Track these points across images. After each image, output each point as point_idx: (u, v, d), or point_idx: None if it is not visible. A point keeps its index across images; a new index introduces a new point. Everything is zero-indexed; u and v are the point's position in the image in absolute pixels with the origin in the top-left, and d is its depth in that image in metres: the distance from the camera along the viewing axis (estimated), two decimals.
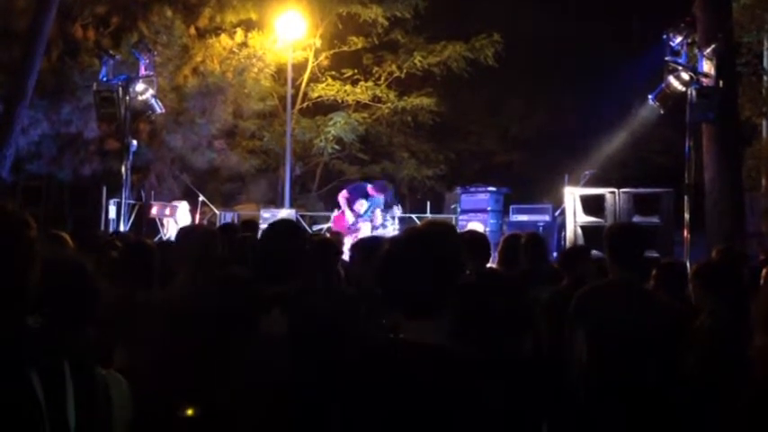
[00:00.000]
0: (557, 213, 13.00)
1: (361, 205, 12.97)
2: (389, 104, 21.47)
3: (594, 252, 9.95)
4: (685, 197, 9.46)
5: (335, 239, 6.84)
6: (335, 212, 13.09)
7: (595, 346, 3.99)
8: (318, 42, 20.76)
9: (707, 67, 9.40)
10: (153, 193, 17.38)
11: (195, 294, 3.71)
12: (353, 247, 5.22)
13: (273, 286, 3.25)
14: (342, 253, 5.86)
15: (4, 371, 1.77)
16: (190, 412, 3.11)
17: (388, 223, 13.13)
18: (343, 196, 13.02)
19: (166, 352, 3.44)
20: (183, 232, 4.34)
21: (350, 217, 12.81)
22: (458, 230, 3.85)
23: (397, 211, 13.19)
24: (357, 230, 12.59)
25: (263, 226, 12.89)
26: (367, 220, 12.81)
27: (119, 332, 3.57)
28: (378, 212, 12.95)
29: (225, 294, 3.64)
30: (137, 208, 14.44)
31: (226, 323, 3.33)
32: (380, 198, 13.10)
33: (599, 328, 4.01)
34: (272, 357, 3.11)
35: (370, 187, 13.05)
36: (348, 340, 3.22)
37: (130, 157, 11.10)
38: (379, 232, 12.65)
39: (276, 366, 3.09)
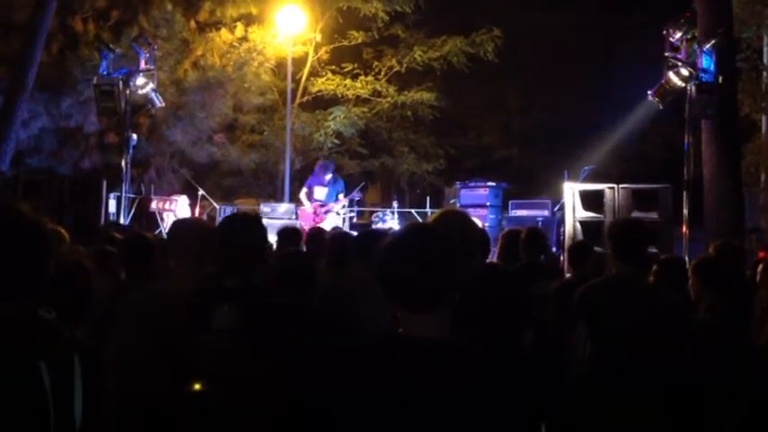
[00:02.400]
0: (556, 208, 13.02)
1: (321, 192, 12.69)
2: (389, 99, 21.44)
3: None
4: (684, 193, 9.47)
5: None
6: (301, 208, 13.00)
7: (598, 341, 4.01)
8: (318, 37, 20.73)
9: (706, 62, 9.40)
10: (153, 186, 17.41)
11: (184, 288, 3.73)
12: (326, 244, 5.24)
13: (233, 279, 3.28)
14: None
15: (12, 359, 1.79)
16: (197, 387, 3.14)
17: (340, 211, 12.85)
18: (303, 192, 12.89)
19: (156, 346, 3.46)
20: (176, 226, 4.32)
21: (308, 207, 12.60)
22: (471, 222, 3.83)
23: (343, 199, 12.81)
24: (321, 221, 12.34)
25: (265, 221, 12.89)
26: (330, 209, 12.48)
27: (115, 326, 3.60)
28: (341, 197, 12.67)
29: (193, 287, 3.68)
30: (137, 202, 14.45)
31: (181, 316, 3.37)
32: (339, 181, 12.86)
33: (602, 323, 4.03)
34: (224, 352, 3.14)
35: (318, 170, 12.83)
36: (334, 335, 3.24)
37: (130, 150, 11.11)
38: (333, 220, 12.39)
39: (229, 361, 3.11)
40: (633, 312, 3.99)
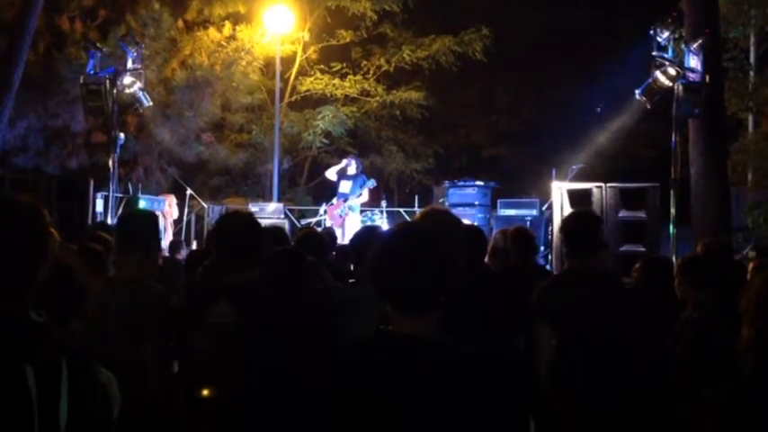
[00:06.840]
0: (544, 207, 13.04)
1: (346, 185, 12.88)
2: (378, 98, 21.45)
3: None
4: (672, 191, 9.51)
5: (322, 233, 6.80)
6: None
7: (560, 338, 3.96)
8: (307, 36, 20.71)
9: (693, 62, 9.43)
10: (140, 186, 17.34)
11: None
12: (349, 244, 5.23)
13: (232, 275, 3.29)
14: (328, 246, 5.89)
15: None
16: (206, 392, 3.14)
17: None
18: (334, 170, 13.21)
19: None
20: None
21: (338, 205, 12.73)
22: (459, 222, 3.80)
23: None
24: (342, 219, 12.51)
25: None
26: (349, 207, 12.61)
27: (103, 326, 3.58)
28: (365, 192, 12.81)
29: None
30: (124, 201, 14.37)
31: (174, 313, 3.39)
32: (362, 176, 13.04)
33: (561, 320, 3.98)
34: (219, 347, 3.14)
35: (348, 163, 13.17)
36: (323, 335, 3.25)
37: (118, 150, 11.05)
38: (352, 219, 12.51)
39: (224, 356, 3.11)
40: (589, 304, 3.92)
